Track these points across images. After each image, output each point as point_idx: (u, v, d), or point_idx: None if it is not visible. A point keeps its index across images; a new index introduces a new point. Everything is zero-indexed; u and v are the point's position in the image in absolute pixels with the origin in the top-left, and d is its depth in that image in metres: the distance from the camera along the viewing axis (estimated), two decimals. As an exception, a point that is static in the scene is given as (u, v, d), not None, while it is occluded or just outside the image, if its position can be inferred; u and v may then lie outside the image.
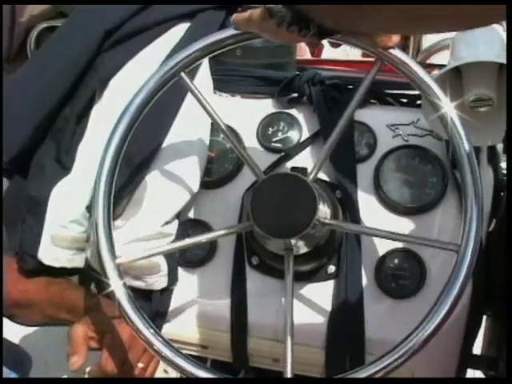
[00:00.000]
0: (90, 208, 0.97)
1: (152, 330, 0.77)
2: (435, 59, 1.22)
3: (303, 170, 0.90)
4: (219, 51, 0.83)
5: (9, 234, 1.04)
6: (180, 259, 0.97)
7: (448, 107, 0.78)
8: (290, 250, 0.82)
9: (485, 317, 1.02)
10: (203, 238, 0.88)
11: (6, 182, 1.10)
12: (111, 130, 0.83)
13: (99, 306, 0.95)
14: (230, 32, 0.80)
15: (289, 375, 0.75)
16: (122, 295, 0.78)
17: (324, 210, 0.82)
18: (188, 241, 0.87)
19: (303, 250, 0.84)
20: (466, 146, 0.77)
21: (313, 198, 0.78)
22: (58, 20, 1.22)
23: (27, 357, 1.15)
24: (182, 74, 0.82)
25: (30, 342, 1.12)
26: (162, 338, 0.78)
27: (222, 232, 0.86)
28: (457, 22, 0.52)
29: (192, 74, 0.95)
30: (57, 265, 0.98)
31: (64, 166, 1.00)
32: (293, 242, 0.80)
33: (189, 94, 0.96)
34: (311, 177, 0.82)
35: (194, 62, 0.83)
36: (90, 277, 1.03)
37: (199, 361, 0.79)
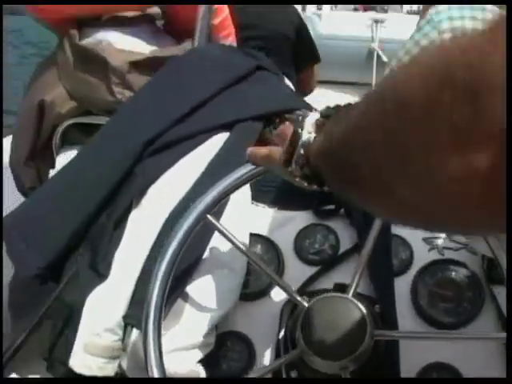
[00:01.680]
0: (126, 317, 0.96)
1: None
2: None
3: (345, 287, 0.91)
4: (240, 187, 0.85)
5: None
6: (218, 370, 0.96)
7: None
8: (346, 368, 0.82)
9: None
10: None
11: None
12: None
13: None
14: (245, 170, 0.82)
15: None
16: None
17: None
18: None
19: (352, 367, 0.84)
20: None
21: (361, 316, 0.80)
22: (83, 117, 1.24)
23: None
24: (208, 216, 0.84)
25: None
26: None
27: (276, 364, 0.88)
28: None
29: None
30: (87, 373, 0.96)
31: (100, 272, 1.00)
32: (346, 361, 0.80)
33: (229, 204, 0.98)
34: (351, 293, 0.83)
35: (217, 204, 0.85)
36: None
37: None
